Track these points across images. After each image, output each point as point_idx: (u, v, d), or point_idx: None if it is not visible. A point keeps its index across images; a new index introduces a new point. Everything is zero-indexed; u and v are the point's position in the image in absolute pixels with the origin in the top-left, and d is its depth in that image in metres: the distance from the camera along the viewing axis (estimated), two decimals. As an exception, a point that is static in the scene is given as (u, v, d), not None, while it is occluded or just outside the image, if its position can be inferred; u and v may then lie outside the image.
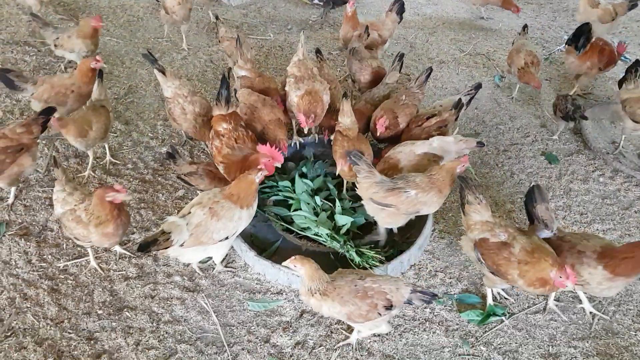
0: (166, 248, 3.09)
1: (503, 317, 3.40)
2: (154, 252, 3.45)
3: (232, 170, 3.60)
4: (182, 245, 3.14)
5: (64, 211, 3.30)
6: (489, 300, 3.43)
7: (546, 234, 3.31)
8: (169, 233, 3.06)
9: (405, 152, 3.70)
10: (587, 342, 3.30)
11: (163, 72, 4.07)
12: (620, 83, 4.68)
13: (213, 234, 3.17)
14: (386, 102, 4.26)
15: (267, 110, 4.04)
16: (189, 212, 3.18)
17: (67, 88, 4.20)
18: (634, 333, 3.36)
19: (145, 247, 3.02)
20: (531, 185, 3.46)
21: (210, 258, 3.63)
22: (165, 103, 4.21)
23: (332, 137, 4.05)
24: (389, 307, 2.92)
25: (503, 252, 3.10)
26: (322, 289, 2.90)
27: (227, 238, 3.26)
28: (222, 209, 3.19)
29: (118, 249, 3.64)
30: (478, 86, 4.37)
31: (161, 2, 5.45)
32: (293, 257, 2.94)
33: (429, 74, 4.38)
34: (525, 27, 5.40)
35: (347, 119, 3.82)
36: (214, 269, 3.61)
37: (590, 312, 3.44)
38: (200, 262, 3.62)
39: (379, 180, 3.39)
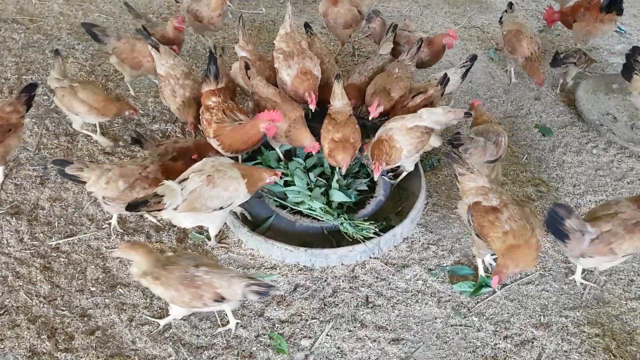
0: (158, 210, 3.12)
1: (495, 288, 3.42)
2: (144, 213, 3.49)
3: (228, 141, 3.58)
4: (175, 209, 3.15)
5: (129, 184, 3.28)
6: (481, 272, 3.45)
7: (587, 238, 3.10)
8: (162, 196, 3.08)
9: (397, 128, 3.66)
10: (578, 311, 3.33)
11: (157, 48, 4.00)
12: (625, 73, 4.42)
13: (207, 201, 3.18)
14: (380, 76, 4.20)
15: (289, 106, 3.77)
16: (187, 178, 3.20)
17: (145, 57, 4.27)
18: (624, 302, 3.39)
19: (134, 207, 3.06)
20: (549, 209, 3.15)
21: (203, 234, 3.63)
22: (158, 79, 4.16)
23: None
24: (220, 300, 2.87)
25: (489, 216, 3.13)
26: (156, 273, 2.84)
27: (222, 209, 3.26)
28: (222, 178, 3.20)
29: (114, 222, 3.63)
30: (473, 58, 4.31)
31: (190, 10, 4.92)
32: (120, 246, 2.90)
33: (420, 46, 4.32)
34: (510, 4, 5.20)
35: (337, 102, 3.76)
36: (206, 244, 3.61)
37: (581, 283, 3.47)
38: (194, 236, 3.63)
39: (482, 143, 3.59)
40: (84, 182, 3.32)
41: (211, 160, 3.34)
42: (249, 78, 3.95)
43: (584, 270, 3.51)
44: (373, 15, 4.88)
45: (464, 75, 4.34)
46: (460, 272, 3.52)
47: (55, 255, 3.49)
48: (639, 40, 5.96)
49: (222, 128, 3.61)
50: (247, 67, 3.95)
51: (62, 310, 3.21)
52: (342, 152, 3.60)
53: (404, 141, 3.62)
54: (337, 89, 3.73)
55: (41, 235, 3.59)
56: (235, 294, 2.86)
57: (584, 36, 5.29)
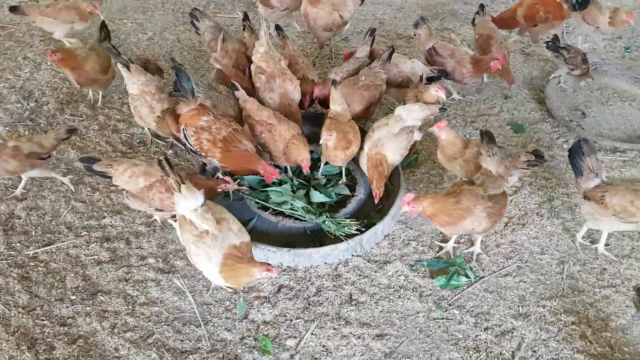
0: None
1: (471, 279, 3.50)
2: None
3: (229, 162, 3.62)
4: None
5: (149, 183, 3.30)
6: (448, 247, 3.64)
7: (596, 181, 3.49)
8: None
9: (385, 136, 3.70)
10: (555, 300, 3.43)
11: (127, 67, 3.79)
12: None
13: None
14: (344, 84, 4.16)
15: (285, 126, 3.75)
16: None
17: None
18: (598, 290, 3.50)
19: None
20: (577, 140, 3.58)
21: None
22: (130, 100, 3.93)
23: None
24: None
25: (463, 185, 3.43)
26: None
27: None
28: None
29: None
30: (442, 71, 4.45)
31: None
32: None
33: (392, 53, 4.33)
34: (482, 6, 5.28)
35: (338, 107, 3.84)
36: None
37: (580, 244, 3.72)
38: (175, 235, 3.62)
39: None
40: (111, 178, 3.35)
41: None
42: (237, 99, 3.90)
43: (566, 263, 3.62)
44: (420, 21, 4.79)
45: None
46: (437, 265, 3.59)
47: (33, 264, 3.44)
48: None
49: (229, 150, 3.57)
50: (235, 88, 3.86)
51: (42, 320, 3.16)
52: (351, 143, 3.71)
53: (395, 148, 3.71)
54: (335, 94, 3.82)
55: (18, 244, 3.53)
56: None
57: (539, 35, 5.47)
